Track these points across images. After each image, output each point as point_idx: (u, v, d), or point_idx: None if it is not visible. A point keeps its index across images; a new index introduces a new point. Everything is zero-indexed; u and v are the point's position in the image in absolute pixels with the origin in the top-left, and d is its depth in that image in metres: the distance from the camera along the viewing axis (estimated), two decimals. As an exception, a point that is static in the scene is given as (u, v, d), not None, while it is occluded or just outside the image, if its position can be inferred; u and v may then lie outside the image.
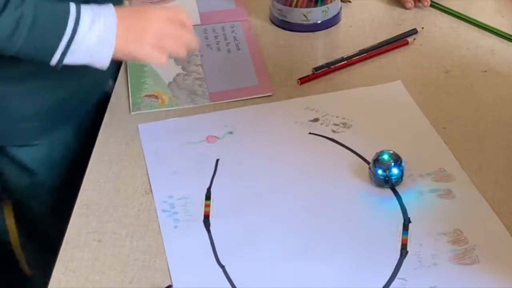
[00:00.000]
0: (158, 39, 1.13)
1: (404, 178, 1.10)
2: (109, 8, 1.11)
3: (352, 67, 1.37)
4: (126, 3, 1.36)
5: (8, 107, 1.20)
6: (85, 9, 1.08)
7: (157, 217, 1.08)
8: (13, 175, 1.32)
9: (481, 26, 1.42)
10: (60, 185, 1.32)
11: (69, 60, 1.09)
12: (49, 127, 1.25)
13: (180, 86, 1.33)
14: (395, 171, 1.09)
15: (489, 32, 1.41)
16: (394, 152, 1.10)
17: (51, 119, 1.24)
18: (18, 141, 1.26)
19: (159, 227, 1.06)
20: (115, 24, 1.10)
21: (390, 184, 1.09)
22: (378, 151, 1.11)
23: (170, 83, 1.33)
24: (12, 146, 1.27)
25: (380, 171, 1.09)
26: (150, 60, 1.16)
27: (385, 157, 1.09)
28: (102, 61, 1.10)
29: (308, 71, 1.36)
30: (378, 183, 1.10)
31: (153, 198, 1.11)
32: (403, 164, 1.10)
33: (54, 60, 1.08)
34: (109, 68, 1.15)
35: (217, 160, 1.17)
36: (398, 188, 1.09)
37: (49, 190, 1.33)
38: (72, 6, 1.07)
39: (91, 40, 1.08)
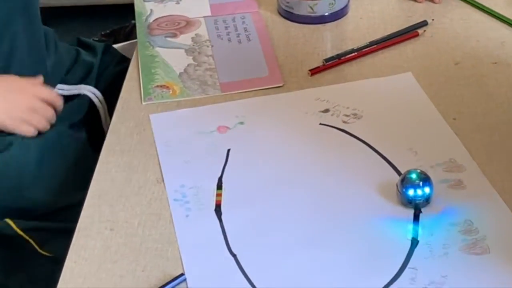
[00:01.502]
0: (28, 114, 1.30)
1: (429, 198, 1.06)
2: None
3: (362, 58, 1.37)
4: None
5: None
6: None
7: (169, 206, 1.08)
8: None
9: (493, 15, 1.42)
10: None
11: None
12: None
13: (191, 77, 1.33)
14: (419, 192, 1.05)
15: (500, 22, 1.41)
16: (422, 172, 1.06)
17: None
18: None
19: (171, 216, 1.07)
20: None
21: (413, 205, 1.05)
22: (406, 170, 1.09)
23: (181, 73, 1.34)
24: None
25: (404, 190, 1.05)
26: (18, 131, 1.30)
27: (413, 176, 1.05)
28: None
29: (318, 63, 1.36)
30: (402, 202, 1.06)
31: (165, 188, 1.11)
32: (429, 186, 1.05)
33: None
34: None
35: (228, 150, 1.18)
36: (423, 210, 1.05)
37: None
38: None
39: None
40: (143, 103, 1.28)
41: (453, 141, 1.17)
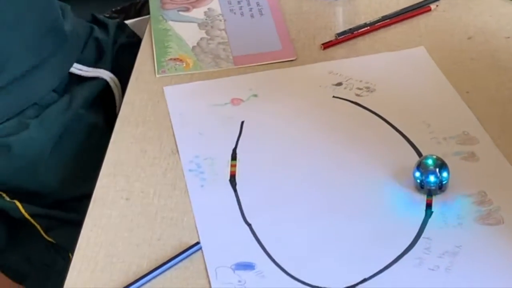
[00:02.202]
0: None
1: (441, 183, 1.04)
2: None
3: (375, 33, 1.37)
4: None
5: None
6: None
7: (183, 176, 1.09)
8: None
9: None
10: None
11: None
12: None
13: (204, 50, 1.34)
14: (432, 178, 1.03)
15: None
16: (439, 158, 1.04)
17: None
18: None
19: (186, 186, 1.07)
20: None
21: (426, 190, 1.04)
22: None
23: (194, 47, 1.34)
24: None
25: (417, 174, 1.04)
26: None
27: (429, 161, 1.04)
28: None
29: (330, 37, 1.37)
30: (415, 187, 1.05)
31: (179, 158, 1.12)
32: (444, 173, 1.04)
33: None
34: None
35: (242, 122, 1.19)
36: (435, 199, 1.04)
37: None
38: None
39: None
40: (157, 75, 1.28)
41: (466, 114, 1.17)
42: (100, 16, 1.60)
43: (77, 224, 1.25)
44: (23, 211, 1.37)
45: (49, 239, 1.40)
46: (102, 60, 1.47)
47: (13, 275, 1.49)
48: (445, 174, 1.04)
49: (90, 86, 1.42)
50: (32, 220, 1.38)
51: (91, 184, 1.26)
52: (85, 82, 1.42)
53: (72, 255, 1.30)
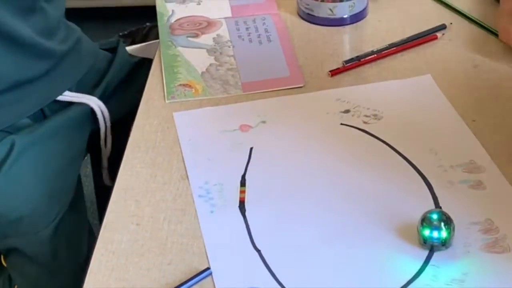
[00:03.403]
0: None
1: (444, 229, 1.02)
2: None
3: (382, 60, 1.39)
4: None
5: None
6: None
7: (193, 202, 1.10)
8: None
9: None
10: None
11: None
12: None
13: (213, 76, 1.35)
14: (435, 234, 1.01)
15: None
16: (445, 213, 1.02)
17: None
18: None
19: (196, 211, 1.09)
20: None
21: (428, 246, 1.02)
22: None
23: (203, 73, 1.36)
24: None
25: (422, 229, 1.01)
26: None
27: (434, 216, 1.01)
28: None
29: (338, 64, 1.38)
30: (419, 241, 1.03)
31: (189, 184, 1.13)
32: (446, 229, 1.01)
33: None
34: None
35: (251, 148, 1.20)
36: (437, 255, 1.01)
37: None
38: None
39: None
40: (166, 101, 1.29)
41: (472, 143, 1.19)
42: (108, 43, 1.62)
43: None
44: None
45: (4, 263, 1.42)
46: (97, 88, 1.49)
47: None
48: (444, 233, 1.01)
49: (73, 111, 1.44)
50: None
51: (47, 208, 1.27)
52: (69, 106, 1.44)
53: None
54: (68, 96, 1.44)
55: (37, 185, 1.34)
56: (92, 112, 1.46)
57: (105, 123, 1.46)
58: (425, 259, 1.01)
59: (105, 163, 1.49)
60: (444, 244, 1.01)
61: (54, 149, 1.37)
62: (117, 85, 1.53)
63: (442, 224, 1.01)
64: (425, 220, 1.01)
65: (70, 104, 1.44)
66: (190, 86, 1.33)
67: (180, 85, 1.33)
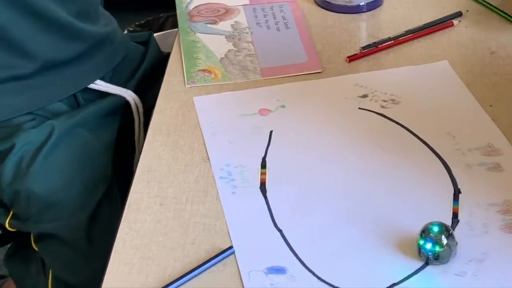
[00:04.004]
0: None
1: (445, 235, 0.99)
2: None
3: (399, 47, 1.40)
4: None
5: None
6: None
7: (215, 183, 1.12)
8: None
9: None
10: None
11: None
12: None
13: (232, 62, 1.37)
14: (428, 246, 0.98)
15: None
16: (444, 225, 0.99)
17: None
18: None
19: (218, 193, 1.10)
20: None
21: (425, 259, 0.99)
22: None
23: (222, 58, 1.37)
24: None
25: (421, 241, 0.98)
26: None
27: (435, 229, 0.98)
28: None
29: (355, 50, 1.39)
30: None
31: (210, 166, 1.15)
32: (444, 241, 0.98)
33: None
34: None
35: (271, 132, 1.21)
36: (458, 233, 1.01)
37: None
38: None
39: None
40: (187, 86, 1.31)
41: (490, 127, 1.20)
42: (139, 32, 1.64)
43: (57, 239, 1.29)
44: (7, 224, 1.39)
45: (35, 247, 1.43)
46: (131, 81, 1.50)
47: (16, 281, 1.53)
48: (438, 248, 0.98)
49: (108, 102, 1.45)
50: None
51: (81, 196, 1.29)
52: (103, 96, 1.45)
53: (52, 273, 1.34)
54: (102, 86, 1.45)
55: (74, 171, 1.36)
56: (123, 104, 1.47)
57: (139, 116, 1.48)
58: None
59: (138, 155, 1.49)
60: (437, 258, 0.98)
61: (90, 137, 1.40)
62: (149, 78, 1.54)
63: (441, 237, 0.97)
64: (425, 231, 0.98)
65: (104, 95, 1.45)
66: (209, 71, 1.34)
67: (200, 70, 1.35)
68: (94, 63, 1.43)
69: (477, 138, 1.18)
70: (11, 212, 1.40)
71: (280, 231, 1.04)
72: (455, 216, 1.05)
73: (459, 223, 1.04)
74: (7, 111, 1.36)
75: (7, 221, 1.41)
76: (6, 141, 1.34)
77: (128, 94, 1.46)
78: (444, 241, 0.98)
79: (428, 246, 0.98)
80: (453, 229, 1.03)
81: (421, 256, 0.99)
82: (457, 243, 0.99)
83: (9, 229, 1.42)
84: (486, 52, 1.36)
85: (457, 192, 1.08)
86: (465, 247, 1.00)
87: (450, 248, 0.98)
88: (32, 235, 1.43)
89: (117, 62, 1.49)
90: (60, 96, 1.40)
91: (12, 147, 1.33)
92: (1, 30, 1.33)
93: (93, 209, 1.34)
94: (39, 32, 1.35)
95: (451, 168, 1.13)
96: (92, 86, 1.44)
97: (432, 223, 0.99)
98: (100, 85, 1.45)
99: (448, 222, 1.04)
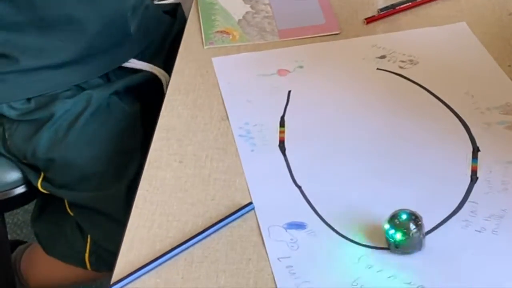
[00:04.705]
0: None
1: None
2: None
3: (417, 8, 1.40)
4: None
5: None
6: None
7: (234, 141, 1.12)
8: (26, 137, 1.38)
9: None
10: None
11: None
12: None
13: (249, 23, 1.37)
14: (398, 236, 0.94)
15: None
16: (412, 213, 0.95)
17: None
18: None
19: (237, 150, 1.11)
20: None
21: (392, 246, 0.95)
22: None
23: (239, 20, 1.38)
24: None
25: (385, 226, 0.95)
26: None
27: (403, 216, 0.94)
28: None
29: (373, 12, 1.39)
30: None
31: (229, 124, 1.15)
32: (412, 230, 0.94)
33: None
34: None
35: (289, 91, 1.22)
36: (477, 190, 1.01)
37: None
38: None
39: None
40: (205, 47, 1.31)
41: (508, 86, 1.20)
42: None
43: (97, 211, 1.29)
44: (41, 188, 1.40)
45: (70, 212, 1.44)
46: (159, 56, 1.50)
47: (45, 243, 1.53)
48: (399, 235, 0.94)
49: (138, 78, 1.46)
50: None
51: (114, 183, 1.29)
52: (133, 73, 1.46)
53: (91, 238, 1.34)
54: (133, 63, 1.46)
55: (110, 142, 1.37)
56: (153, 78, 1.47)
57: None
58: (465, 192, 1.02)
59: None
60: (397, 246, 0.94)
61: (125, 108, 1.41)
62: (176, 49, 1.52)
63: (409, 225, 0.94)
64: (393, 217, 0.95)
65: (133, 71, 1.46)
66: (227, 33, 1.34)
67: (218, 31, 1.35)
68: (131, 42, 1.44)
69: (496, 97, 1.18)
70: (42, 174, 1.41)
71: (299, 187, 1.05)
72: (474, 173, 1.05)
73: (478, 181, 1.04)
74: (48, 86, 1.37)
75: (39, 182, 1.42)
76: (44, 110, 1.35)
77: (157, 71, 1.46)
78: (411, 230, 0.94)
79: (391, 232, 0.94)
80: (472, 187, 1.03)
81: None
82: (424, 236, 0.95)
83: (42, 190, 1.43)
84: (505, 13, 1.36)
85: (476, 150, 1.09)
86: (484, 204, 1.01)
87: (414, 238, 0.94)
88: (66, 201, 1.44)
89: (151, 38, 1.48)
90: (97, 74, 1.42)
91: (50, 116, 1.34)
92: (76, 24, 1.34)
93: (130, 179, 1.34)
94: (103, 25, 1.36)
95: (470, 127, 1.13)
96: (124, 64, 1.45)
97: (402, 211, 0.95)
98: (131, 62, 1.45)
99: (467, 180, 1.04)
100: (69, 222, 1.47)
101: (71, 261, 1.49)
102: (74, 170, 1.35)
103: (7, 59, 1.33)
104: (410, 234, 0.94)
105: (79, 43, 1.34)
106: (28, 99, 1.35)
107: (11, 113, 1.35)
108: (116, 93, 1.40)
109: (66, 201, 1.45)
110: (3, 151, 1.41)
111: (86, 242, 1.44)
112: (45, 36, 1.34)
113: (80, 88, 1.38)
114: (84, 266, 1.46)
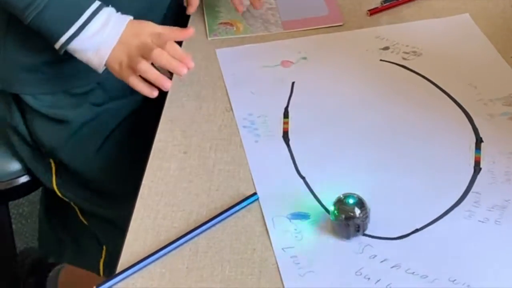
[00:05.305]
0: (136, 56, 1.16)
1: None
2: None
3: (420, 0, 1.40)
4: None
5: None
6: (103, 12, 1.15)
7: (238, 132, 1.13)
8: (48, 131, 1.34)
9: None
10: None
11: (72, 49, 1.16)
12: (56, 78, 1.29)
13: (253, 15, 1.37)
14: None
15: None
16: (359, 198, 0.96)
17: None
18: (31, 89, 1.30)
19: (241, 141, 1.11)
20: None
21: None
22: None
23: (243, 12, 1.38)
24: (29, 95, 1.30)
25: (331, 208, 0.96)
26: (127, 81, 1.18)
27: (350, 201, 0.96)
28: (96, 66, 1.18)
29: (376, 4, 1.40)
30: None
31: (233, 115, 1.16)
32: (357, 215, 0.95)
33: (57, 45, 1.16)
34: None
35: (293, 83, 1.22)
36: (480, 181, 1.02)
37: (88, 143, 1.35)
38: (92, 5, 1.14)
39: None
40: (209, 38, 1.32)
41: (511, 78, 1.20)
42: None
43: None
44: (55, 186, 1.40)
45: (84, 221, 1.44)
46: None
47: (52, 249, 1.52)
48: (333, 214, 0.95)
49: None
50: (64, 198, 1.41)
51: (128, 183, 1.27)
52: None
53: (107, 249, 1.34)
54: None
55: (126, 160, 1.35)
56: None
57: None
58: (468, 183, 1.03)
59: None
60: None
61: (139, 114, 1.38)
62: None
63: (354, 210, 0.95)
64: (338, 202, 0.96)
65: None
66: (231, 25, 1.35)
67: (222, 23, 1.35)
68: None
69: (499, 89, 1.18)
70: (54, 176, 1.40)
71: (303, 178, 1.05)
72: (477, 164, 1.06)
73: (481, 171, 1.04)
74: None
75: (54, 184, 1.40)
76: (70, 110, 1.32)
77: None
78: (357, 214, 0.95)
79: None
80: (475, 178, 1.03)
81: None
82: (364, 221, 0.96)
83: (59, 194, 1.41)
84: (508, 4, 1.36)
85: (479, 141, 1.09)
86: (487, 195, 1.01)
87: (357, 223, 0.95)
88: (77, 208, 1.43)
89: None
90: None
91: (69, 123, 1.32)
92: None
93: None
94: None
95: (473, 118, 1.13)
96: None
97: (349, 195, 0.96)
98: None
99: (470, 171, 1.05)
100: (82, 230, 1.46)
101: (84, 266, 1.48)
102: (90, 187, 1.35)
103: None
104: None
105: None
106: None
107: (36, 104, 1.32)
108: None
109: (77, 209, 1.44)
110: (28, 139, 1.38)
111: (102, 250, 1.43)
112: None
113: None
114: (98, 273, 1.45)
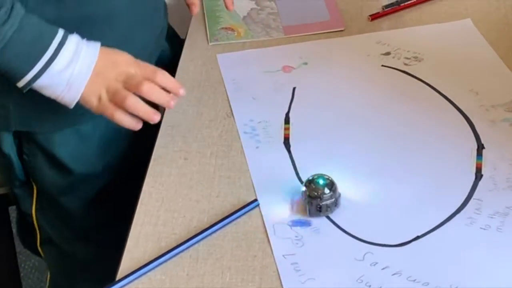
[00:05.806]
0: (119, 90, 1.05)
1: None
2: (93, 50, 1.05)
3: (422, 5, 1.40)
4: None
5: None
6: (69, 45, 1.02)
7: (239, 138, 1.12)
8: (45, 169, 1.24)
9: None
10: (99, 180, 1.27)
11: (38, 86, 1.03)
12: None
13: (254, 20, 1.37)
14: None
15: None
16: (330, 180, 1.00)
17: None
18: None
19: (242, 147, 1.11)
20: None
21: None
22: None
23: (244, 17, 1.38)
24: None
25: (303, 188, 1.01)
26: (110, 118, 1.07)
27: (320, 181, 1.00)
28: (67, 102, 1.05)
29: (377, 9, 1.39)
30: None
31: (234, 121, 1.15)
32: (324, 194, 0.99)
33: (21, 83, 1.02)
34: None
35: (294, 88, 1.22)
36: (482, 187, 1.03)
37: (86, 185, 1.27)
38: (57, 37, 1.01)
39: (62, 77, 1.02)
40: (210, 43, 1.31)
41: (513, 84, 1.20)
42: None
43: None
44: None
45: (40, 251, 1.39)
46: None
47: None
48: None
49: None
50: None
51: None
52: None
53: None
54: None
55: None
56: None
57: None
58: (470, 190, 1.03)
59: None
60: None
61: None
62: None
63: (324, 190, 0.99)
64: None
65: None
66: (232, 29, 1.35)
67: (223, 28, 1.35)
68: None
69: (501, 95, 1.18)
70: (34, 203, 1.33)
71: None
72: (478, 171, 1.05)
73: (482, 178, 1.04)
74: None
75: (33, 210, 1.32)
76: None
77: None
78: (320, 195, 0.99)
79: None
80: (477, 184, 1.03)
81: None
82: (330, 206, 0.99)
83: (33, 219, 1.33)
84: (510, 10, 1.36)
85: (480, 148, 1.09)
86: (489, 202, 1.01)
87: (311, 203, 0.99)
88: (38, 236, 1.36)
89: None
90: None
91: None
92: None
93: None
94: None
95: (474, 124, 1.13)
96: None
97: (321, 175, 1.00)
98: None
99: (472, 178, 1.04)
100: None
101: None
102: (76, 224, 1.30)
103: None
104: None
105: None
106: None
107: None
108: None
109: (39, 237, 1.35)
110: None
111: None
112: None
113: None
114: None
